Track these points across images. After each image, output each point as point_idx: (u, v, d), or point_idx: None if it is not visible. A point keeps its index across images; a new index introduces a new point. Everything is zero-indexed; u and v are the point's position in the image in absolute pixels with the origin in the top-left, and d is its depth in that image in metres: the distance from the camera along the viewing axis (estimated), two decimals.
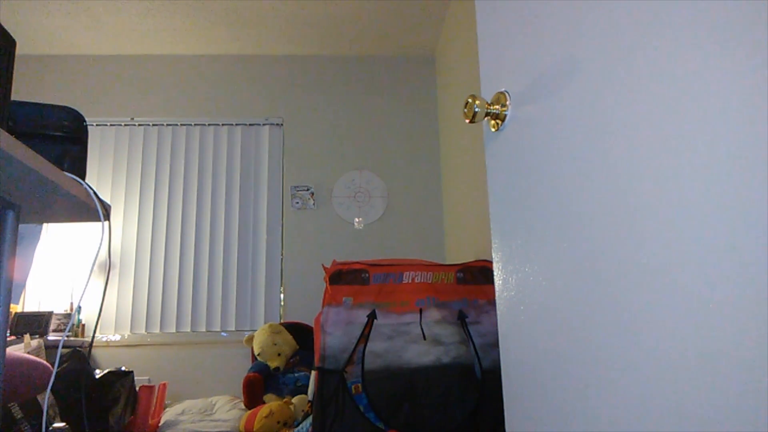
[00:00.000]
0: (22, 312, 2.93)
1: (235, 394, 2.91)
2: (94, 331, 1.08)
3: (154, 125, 3.61)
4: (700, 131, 0.52)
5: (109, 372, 2.29)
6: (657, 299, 0.56)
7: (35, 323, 2.85)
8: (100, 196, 1.11)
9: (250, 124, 3.66)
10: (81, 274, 3.28)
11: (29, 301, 3.25)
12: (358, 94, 3.76)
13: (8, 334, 1.59)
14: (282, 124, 3.67)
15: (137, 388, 2.46)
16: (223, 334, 3.34)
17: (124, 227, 3.45)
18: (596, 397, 0.66)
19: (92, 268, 1.11)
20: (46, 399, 1.21)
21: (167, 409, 2.65)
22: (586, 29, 0.70)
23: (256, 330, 3.03)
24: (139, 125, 3.60)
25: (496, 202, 0.97)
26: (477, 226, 2.78)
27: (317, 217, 3.54)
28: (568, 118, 0.74)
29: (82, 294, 1.12)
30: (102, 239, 1.03)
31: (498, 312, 0.96)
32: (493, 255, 0.98)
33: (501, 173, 0.95)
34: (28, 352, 2.46)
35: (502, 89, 0.93)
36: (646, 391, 0.57)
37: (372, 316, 1.81)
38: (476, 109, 0.90)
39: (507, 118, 0.91)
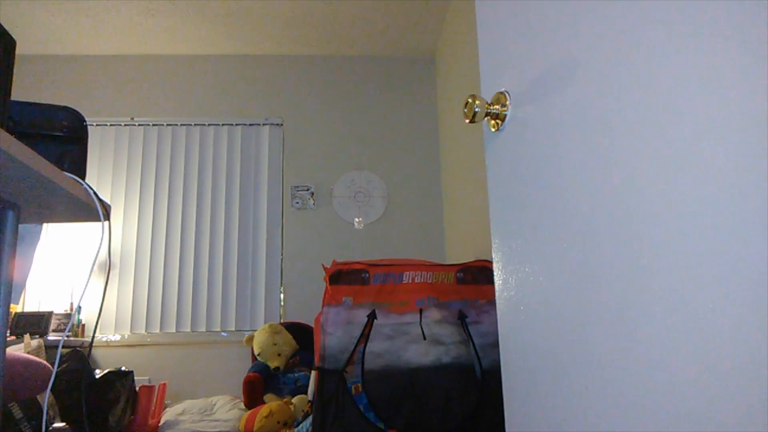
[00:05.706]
0: (22, 312, 2.93)
1: (235, 394, 2.91)
2: (94, 331, 1.08)
3: (154, 125, 3.61)
4: (700, 131, 0.52)
5: (109, 372, 2.29)
6: (656, 299, 0.56)
7: (35, 323, 2.84)
8: (100, 196, 1.11)
9: (250, 124, 3.66)
10: (81, 274, 3.28)
11: (29, 301, 3.25)
12: (358, 94, 3.76)
13: (8, 334, 1.59)
14: (282, 124, 3.67)
15: (137, 388, 2.46)
16: (223, 334, 3.34)
17: (124, 227, 3.45)
18: (596, 397, 0.66)
19: (92, 268, 1.11)
20: (46, 399, 1.21)
21: (167, 409, 2.65)
22: (585, 29, 0.70)
23: (256, 330, 3.03)
24: (139, 125, 3.60)
25: (496, 202, 0.97)
26: (477, 226, 2.78)
27: (317, 217, 3.54)
28: (568, 118, 0.74)
29: (82, 294, 1.12)
30: (102, 239, 1.03)
31: (498, 312, 0.96)
32: (493, 255, 0.98)
33: (501, 173, 0.95)
34: (28, 352, 2.46)
35: (502, 89, 0.93)
36: (646, 391, 0.57)
37: (372, 316, 1.81)
38: (476, 109, 0.90)
39: (507, 118, 0.91)
